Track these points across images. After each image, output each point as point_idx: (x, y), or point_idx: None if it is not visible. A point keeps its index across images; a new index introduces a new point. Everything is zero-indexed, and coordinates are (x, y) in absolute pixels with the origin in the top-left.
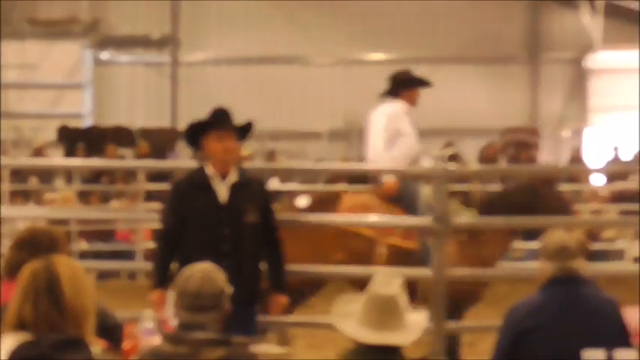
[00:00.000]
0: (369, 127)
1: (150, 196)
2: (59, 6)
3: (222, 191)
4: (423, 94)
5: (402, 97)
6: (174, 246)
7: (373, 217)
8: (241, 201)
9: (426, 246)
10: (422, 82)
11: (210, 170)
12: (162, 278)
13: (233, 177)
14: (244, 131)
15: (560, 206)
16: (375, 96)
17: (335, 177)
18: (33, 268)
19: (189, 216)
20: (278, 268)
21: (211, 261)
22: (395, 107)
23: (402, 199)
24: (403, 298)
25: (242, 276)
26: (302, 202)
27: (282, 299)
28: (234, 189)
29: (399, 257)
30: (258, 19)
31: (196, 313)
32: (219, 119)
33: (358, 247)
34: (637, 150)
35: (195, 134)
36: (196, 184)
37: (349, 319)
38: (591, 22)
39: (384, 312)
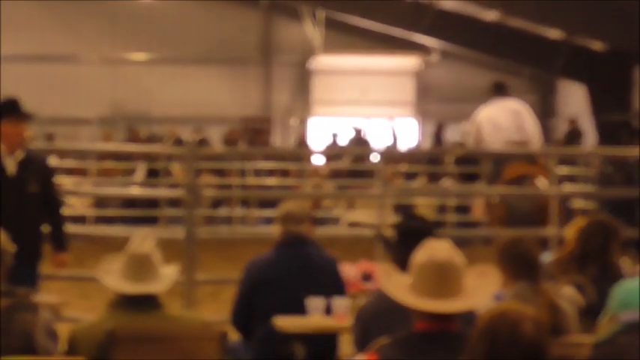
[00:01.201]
0: (501, 116)
1: None
2: None
3: (11, 166)
4: (176, 89)
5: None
6: None
7: None
8: (26, 174)
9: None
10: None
11: (0, 149)
12: None
13: (20, 155)
14: (28, 117)
15: None
16: (138, 89)
17: (104, 155)
18: None
19: None
20: (57, 230)
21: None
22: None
23: None
24: (156, 255)
25: (25, 237)
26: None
27: (63, 257)
28: (21, 164)
29: None
30: (38, 22)
31: None
32: (14, 108)
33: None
34: (351, 136)
35: None
36: None
37: (112, 274)
38: (314, 32)
39: (140, 267)
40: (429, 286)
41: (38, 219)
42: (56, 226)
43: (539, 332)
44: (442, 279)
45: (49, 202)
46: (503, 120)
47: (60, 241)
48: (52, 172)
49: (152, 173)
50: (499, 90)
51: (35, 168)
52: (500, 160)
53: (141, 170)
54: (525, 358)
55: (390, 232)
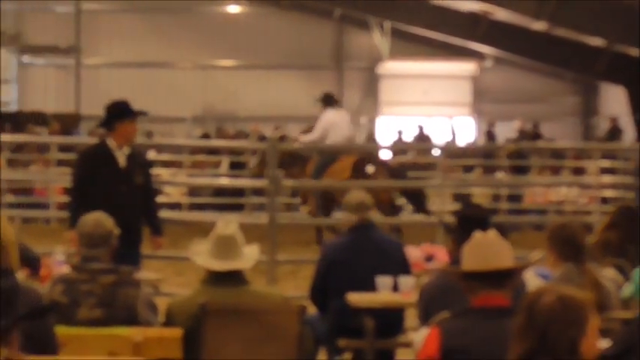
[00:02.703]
0: (341, 121)
1: (60, 163)
2: None
3: (122, 159)
4: (259, 91)
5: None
6: (84, 198)
7: None
8: (133, 166)
9: None
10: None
11: (111, 143)
12: (74, 222)
13: (127, 149)
14: (140, 115)
15: None
16: (226, 91)
17: (197, 150)
18: None
19: (96, 176)
20: (154, 217)
21: (109, 210)
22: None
23: None
24: (240, 236)
25: (130, 222)
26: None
27: (159, 240)
28: (129, 158)
29: None
30: (138, 33)
31: (92, 248)
32: (128, 109)
33: None
34: (415, 133)
35: (112, 119)
36: (102, 153)
37: (201, 254)
38: (381, 40)
39: (226, 247)
40: (477, 255)
41: (140, 207)
42: (153, 213)
43: (558, 306)
44: (487, 249)
45: (148, 191)
46: (343, 123)
47: (156, 227)
48: (151, 165)
49: (238, 165)
50: (331, 100)
51: (139, 161)
52: (331, 155)
53: (225, 163)
54: (538, 328)
55: (450, 219)
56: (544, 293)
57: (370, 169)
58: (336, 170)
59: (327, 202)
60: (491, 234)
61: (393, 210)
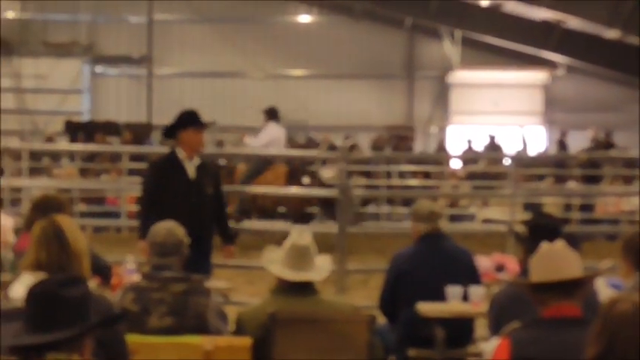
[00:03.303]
0: (280, 135)
1: (131, 172)
2: (64, 32)
3: (191, 170)
4: (330, 101)
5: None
6: (154, 207)
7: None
8: (203, 177)
9: None
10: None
11: (181, 154)
12: (144, 232)
13: (197, 160)
14: (206, 126)
15: None
16: (296, 101)
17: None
18: (42, 224)
19: (166, 186)
20: (225, 226)
21: (180, 219)
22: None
23: None
24: (314, 247)
25: (200, 232)
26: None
27: (230, 249)
28: (198, 168)
29: None
30: (210, 43)
31: (163, 257)
32: (195, 119)
33: None
34: (485, 142)
35: (175, 128)
36: (171, 163)
37: (275, 263)
38: (452, 49)
39: (300, 257)
40: (545, 266)
41: (211, 216)
42: (224, 223)
43: (632, 313)
44: (554, 260)
45: (219, 201)
46: (281, 137)
47: (228, 235)
48: (220, 174)
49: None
50: (275, 114)
51: (209, 171)
52: (264, 161)
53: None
54: (610, 333)
55: (521, 228)
56: (620, 300)
57: (306, 179)
58: (269, 179)
59: (247, 207)
60: (559, 244)
61: (306, 218)
